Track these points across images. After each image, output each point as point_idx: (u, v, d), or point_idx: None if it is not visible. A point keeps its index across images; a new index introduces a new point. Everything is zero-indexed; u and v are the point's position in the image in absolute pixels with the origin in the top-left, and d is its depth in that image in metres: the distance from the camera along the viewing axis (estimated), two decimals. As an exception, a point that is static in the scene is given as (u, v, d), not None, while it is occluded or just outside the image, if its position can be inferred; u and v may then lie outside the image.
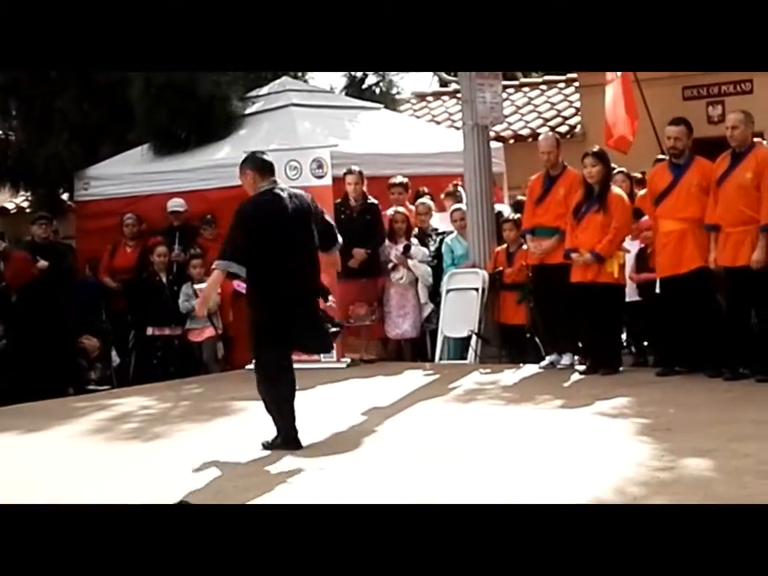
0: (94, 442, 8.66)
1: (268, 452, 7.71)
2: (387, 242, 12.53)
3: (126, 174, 14.26)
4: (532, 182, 11.30)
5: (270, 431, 7.88)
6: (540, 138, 11.74)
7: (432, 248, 12.59)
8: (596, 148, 10.94)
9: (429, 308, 12.45)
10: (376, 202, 12.54)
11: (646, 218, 10.63)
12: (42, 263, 12.81)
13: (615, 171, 11.21)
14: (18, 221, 18.28)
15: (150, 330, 12.85)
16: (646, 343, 11.24)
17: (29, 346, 12.04)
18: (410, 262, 12.37)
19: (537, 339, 11.59)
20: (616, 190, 10.59)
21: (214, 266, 7.84)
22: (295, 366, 7.99)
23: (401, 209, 12.65)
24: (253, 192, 7.98)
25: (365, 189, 12.44)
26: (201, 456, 7.77)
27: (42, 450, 8.48)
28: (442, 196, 13.20)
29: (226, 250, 7.81)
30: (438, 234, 12.69)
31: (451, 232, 12.56)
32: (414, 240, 12.52)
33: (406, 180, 13.04)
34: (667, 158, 10.96)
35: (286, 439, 7.78)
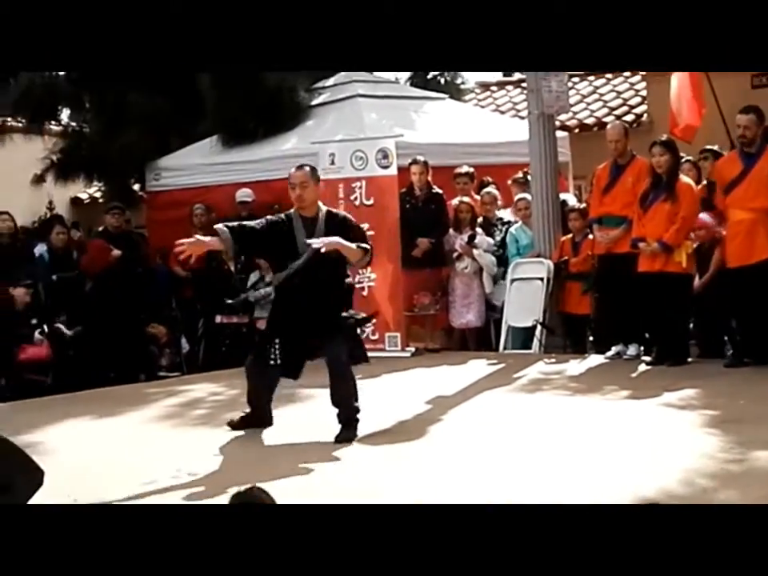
0: (164, 428, 8.80)
1: (331, 438, 7.81)
2: (452, 231, 12.58)
3: (196, 164, 14.42)
4: (599, 171, 11.26)
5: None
6: (608, 126, 11.69)
7: (497, 238, 12.62)
8: (664, 137, 10.85)
9: (494, 297, 12.49)
10: (441, 191, 12.59)
11: (701, 215, 10.55)
12: (116, 252, 13.02)
13: (683, 160, 11.18)
14: (91, 211, 18.58)
15: (218, 318, 12.98)
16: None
17: (102, 332, 12.23)
18: (474, 251, 12.40)
19: (600, 329, 11.57)
20: (684, 179, 10.49)
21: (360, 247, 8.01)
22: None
23: (466, 198, 12.68)
24: (314, 201, 8.10)
25: (429, 179, 12.49)
26: (268, 442, 7.90)
27: (114, 434, 8.62)
28: (509, 182, 13.19)
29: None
30: (503, 224, 12.72)
31: (516, 222, 12.59)
32: (479, 230, 12.56)
33: (471, 170, 13.07)
34: (714, 147, 10.97)
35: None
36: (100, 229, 14.08)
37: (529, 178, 12.76)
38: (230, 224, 8.15)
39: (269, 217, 8.32)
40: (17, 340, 11.77)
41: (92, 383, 11.08)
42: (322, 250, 7.78)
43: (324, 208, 8.19)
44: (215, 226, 8.23)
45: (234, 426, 8.32)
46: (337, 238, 7.86)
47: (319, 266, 7.93)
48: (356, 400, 8.02)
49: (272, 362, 8.03)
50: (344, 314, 8.22)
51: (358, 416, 7.99)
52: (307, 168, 8.19)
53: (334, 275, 8.11)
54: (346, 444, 7.67)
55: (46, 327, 12.05)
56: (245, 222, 8.32)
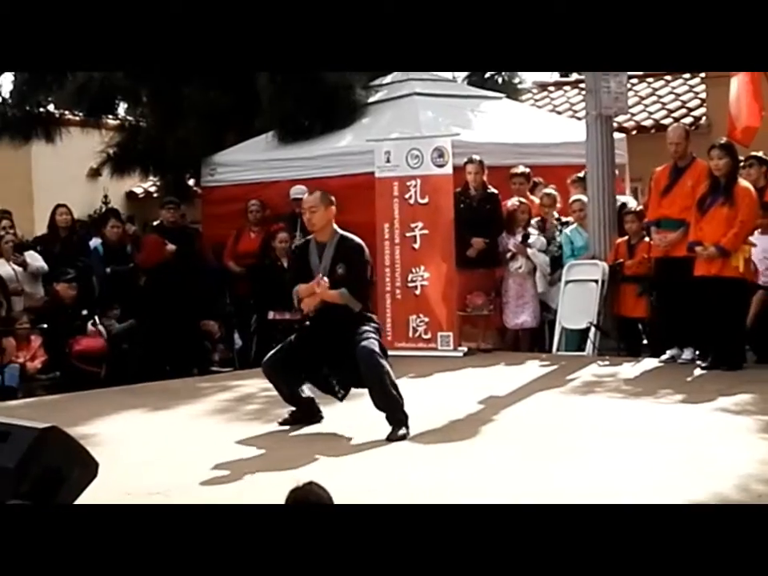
0: (216, 422, 8.84)
1: (384, 435, 7.80)
2: (505, 232, 12.54)
3: (251, 160, 14.45)
4: (658, 173, 11.17)
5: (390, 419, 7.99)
6: (669, 128, 11.60)
7: (558, 239, 12.56)
8: (723, 140, 10.77)
9: (549, 298, 12.44)
10: (496, 191, 12.55)
11: None
12: (171, 247, 13.11)
13: (746, 159, 11.10)
14: (146, 205, 18.70)
15: (271, 314, 13.00)
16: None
17: (156, 326, 12.30)
18: (528, 250, 12.36)
19: (655, 333, 11.49)
20: (743, 182, 10.41)
21: (344, 295, 8.05)
22: (411, 353, 8.16)
23: (522, 199, 12.64)
24: (324, 226, 8.19)
25: (485, 178, 12.46)
26: (318, 439, 7.91)
27: (167, 428, 8.68)
28: (568, 182, 13.11)
29: (363, 290, 8.21)
30: (561, 224, 12.66)
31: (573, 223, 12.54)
32: (533, 230, 12.51)
33: (527, 170, 13.02)
34: (759, 154, 10.88)
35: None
36: (155, 223, 14.17)
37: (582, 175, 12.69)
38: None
39: (293, 246, 8.47)
40: (69, 332, 11.84)
41: (145, 376, 11.14)
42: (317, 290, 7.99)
43: (339, 234, 8.26)
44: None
45: (283, 422, 8.39)
46: (320, 289, 8.01)
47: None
48: (398, 397, 7.97)
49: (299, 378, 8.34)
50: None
51: (406, 412, 7.94)
52: (318, 193, 8.31)
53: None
54: (398, 442, 7.66)
55: (98, 319, 12.12)
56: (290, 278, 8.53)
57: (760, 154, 11.40)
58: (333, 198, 8.33)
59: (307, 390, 8.48)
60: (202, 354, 12.67)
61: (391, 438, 7.76)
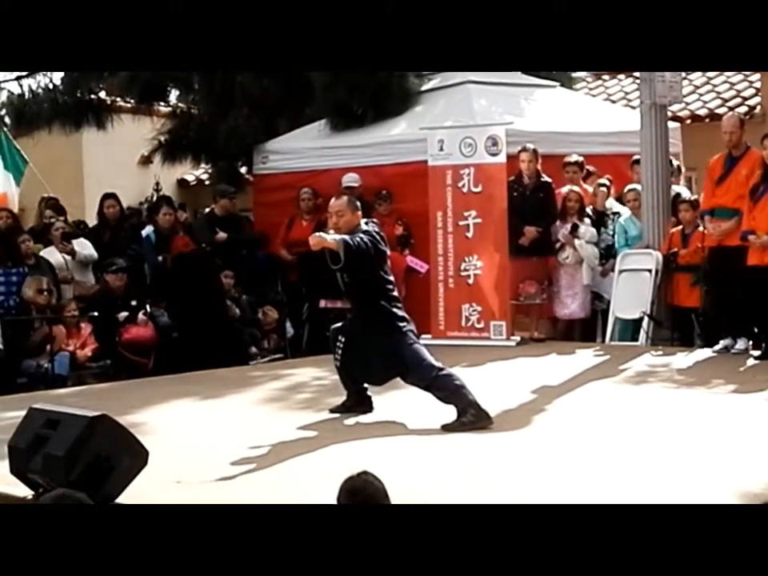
0: (267, 411, 8.85)
1: (436, 425, 7.78)
2: (558, 221, 12.47)
3: (304, 148, 14.45)
4: (713, 162, 11.09)
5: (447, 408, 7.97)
6: (724, 117, 11.52)
7: (610, 228, 12.47)
8: (777, 129, 10.71)
9: (601, 284, 12.36)
10: (549, 180, 12.48)
11: None
12: (221, 235, 13.14)
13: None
14: (197, 193, 18.75)
15: (322, 303, 12.99)
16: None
17: (187, 318, 12.22)
18: (576, 241, 12.28)
19: (709, 322, 11.39)
20: (796, 171, 10.35)
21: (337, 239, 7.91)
22: (464, 342, 8.14)
23: (575, 188, 12.56)
24: (350, 231, 8.06)
25: (539, 167, 12.39)
26: (369, 428, 7.90)
27: (218, 417, 8.69)
28: (631, 162, 12.97)
29: (373, 292, 8.17)
30: (614, 214, 12.56)
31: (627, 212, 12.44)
32: (587, 220, 12.42)
33: (581, 159, 12.93)
34: None
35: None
36: (206, 210, 14.20)
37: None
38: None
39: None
40: (118, 322, 11.87)
41: (192, 368, 11.10)
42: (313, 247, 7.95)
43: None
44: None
45: (334, 410, 8.42)
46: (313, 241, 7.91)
47: (353, 289, 8.29)
48: (463, 390, 7.86)
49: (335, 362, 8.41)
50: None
51: (474, 402, 7.80)
52: (345, 198, 8.32)
53: (370, 299, 8.15)
54: (451, 433, 7.63)
55: (148, 308, 12.13)
56: None
57: None
58: (359, 204, 8.35)
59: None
60: (241, 343, 12.50)
61: (446, 427, 7.70)
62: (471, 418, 7.72)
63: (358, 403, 8.41)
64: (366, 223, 8.25)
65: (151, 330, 11.91)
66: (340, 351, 8.39)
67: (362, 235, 7.98)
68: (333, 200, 8.39)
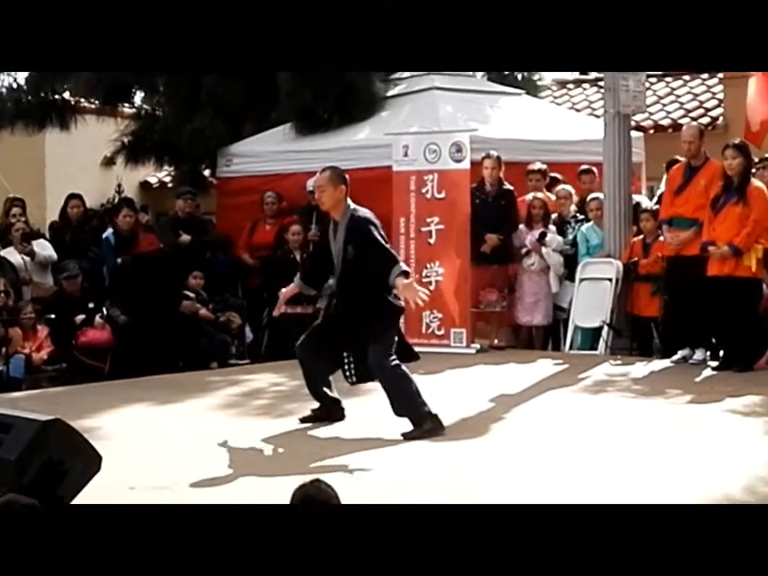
0: (224, 417, 8.81)
1: (395, 432, 7.77)
2: (523, 227, 12.48)
3: (268, 152, 14.42)
4: (672, 172, 11.19)
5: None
6: (684, 127, 11.60)
7: (570, 236, 12.51)
8: (737, 140, 10.78)
9: (560, 294, 12.39)
10: (511, 188, 12.49)
11: None
12: (185, 237, 13.09)
13: (760, 159, 11.08)
14: (160, 195, 18.65)
15: (282, 308, 12.94)
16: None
17: (144, 319, 12.12)
18: (543, 249, 12.31)
19: (668, 332, 11.44)
20: (756, 182, 10.42)
21: (399, 272, 7.81)
22: (424, 349, 8.18)
23: (540, 195, 12.59)
24: (334, 205, 8.08)
25: (501, 174, 12.40)
26: (329, 435, 7.88)
27: (173, 422, 8.64)
28: (579, 172, 13.02)
29: (382, 264, 7.91)
30: (577, 222, 12.60)
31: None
32: (552, 227, 12.46)
33: (544, 167, 12.96)
34: None
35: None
36: (170, 214, 14.13)
37: (595, 170, 12.61)
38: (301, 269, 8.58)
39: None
40: (74, 325, 11.78)
41: (148, 371, 11.03)
42: None
43: (350, 212, 8.08)
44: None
45: (304, 419, 8.30)
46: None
47: (349, 269, 8.03)
48: (418, 399, 7.87)
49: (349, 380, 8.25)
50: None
51: (428, 412, 7.85)
52: (328, 172, 8.19)
53: (367, 286, 8.00)
54: (410, 441, 7.63)
55: (105, 311, 12.05)
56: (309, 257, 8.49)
57: None
58: (346, 176, 8.17)
59: (334, 391, 8.41)
60: (193, 346, 12.40)
61: (406, 436, 7.73)
62: (430, 425, 7.77)
63: (329, 412, 8.30)
64: (356, 210, 8.13)
65: (108, 334, 11.82)
66: (351, 368, 8.22)
67: (377, 239, 7.95)
68: (317, 174, 8.34)
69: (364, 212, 8.15)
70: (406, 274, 7.87)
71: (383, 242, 8.03)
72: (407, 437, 7.71)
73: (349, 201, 8.13)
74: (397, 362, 7.94)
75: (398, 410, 7.86)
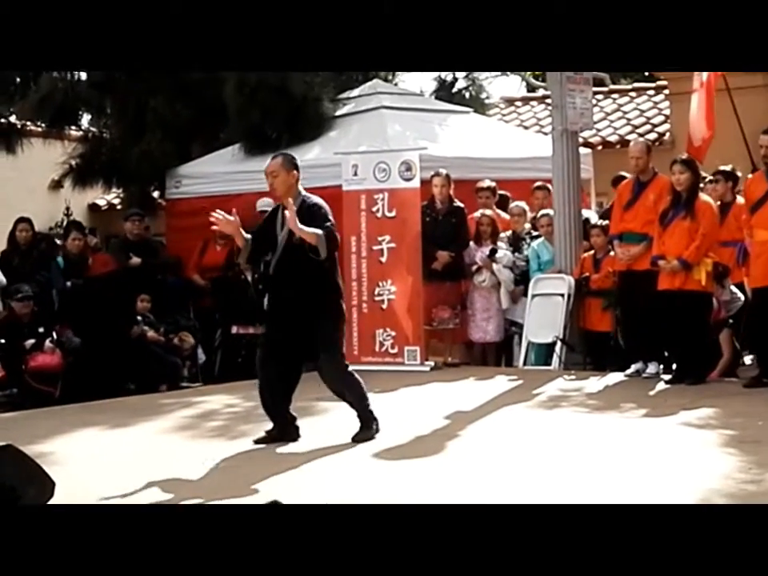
0: (178, 439, 8.75)
1: (350, 451, 7.76)
2: (473, 244, 12.51)
3: (217, 172, 14.38)
4: (621, 188, 11.26)
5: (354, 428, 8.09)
6: (631, 142, 11.67)
7: (525, 252, 12.55)
8: (685, 155, 10.88)
9: (514, 310, 12.41)
10: (462, 205, 12.52)
11: None
12: (135, 260, 13.01)
13: (707, 180, 11.17)
14: (109, 217, 18.55)
15: (234, 329, 12.92)
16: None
17: (96, 342, 12.02)
18: (494, 266, 12.33)
19: (622, 346, 11.49)
20: (704, 197, 10.50)
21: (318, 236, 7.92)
22: (378, 368, 8.28)
23: (488, 211, 12.62)
24: (286, 191, 8.12)
25: (451, 192, 12.42)
26: (283, 455, 7.84)
27: (127, 445, 8.57)
28: (533, 188, 13.08)
29: (329, 240, 8.00)
30: (532, 238, 12.63)
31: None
32: (501, 244, 12.49)
33: (493, 184, 12.99)
34: (727, 168, 10.96)
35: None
36: (119, 236, 14.04)
37: (549, 186, 12.68)
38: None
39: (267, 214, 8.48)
40: (24, 350, 11.67)
41: (99, 394, 10.93)
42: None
43: (301, 197, 8.17)
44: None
45: (259, 441, 8.23)
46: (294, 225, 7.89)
47: (291, 256, 8.06)
48: (366, 402, 8.19)
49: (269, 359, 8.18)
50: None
51: (372, 413, 8.17)
52: (280, 158, 8.29)
53: (309, 266, 8.01)
54: (363, 456, 7.63)
55: (55, 335, 11.94)
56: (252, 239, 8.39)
57: (729, 168, 11.43)
58: (297, 163, 8.28)
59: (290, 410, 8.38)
60: (145, 369, 12.30)
61: (355, 439, 7.98)
62: (377, 428, 8.10)
63: (284, 431, 8.26)
64: (308, 197, 8.21)
65: (58, 358, 11.71)
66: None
67: (328, 223, 8.04)
68: (269, 161, 8.36)
69: (317, 198, 8.30)
70: (315, 251, 7.95)
71: (335, 230, 8.17)
72: (357, 439, 7.99)
73: (300, 187, 8.23)
74: (348, 368, 8.21)
75: (355, 409, 8.18)
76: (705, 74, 12.71)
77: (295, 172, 8.17)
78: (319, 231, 7.92)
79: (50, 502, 5.67)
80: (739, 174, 11.32)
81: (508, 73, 26.88)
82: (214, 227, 8.46)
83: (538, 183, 12.96)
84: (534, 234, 12.69)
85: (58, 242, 13.88)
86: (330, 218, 8.17)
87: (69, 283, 12.57)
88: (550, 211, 12.40)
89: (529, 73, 27.03)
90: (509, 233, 12.78)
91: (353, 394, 8.20)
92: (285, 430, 8.26)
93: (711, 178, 11.34)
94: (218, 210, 8.33)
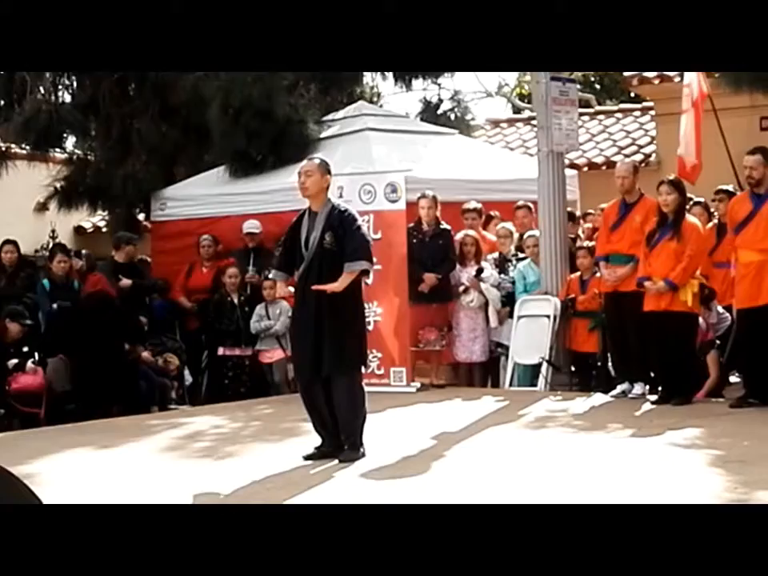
0: (165, 460, 8.71)
1: (336, 471, 7.75)
2: (457, 265, 12.52)
3: (203, 195, 14.39)
4: (607, 209, 11.27)
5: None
6: (617, 163, 11.70)
7: (512, 273, 12.57)
8: (671, 176, 10.88)
9: (500, 331, 12.42)
10: (449, 227, 12.53)
11: None
12: (125, 281, 13.01)
13: (692, 203, 11.21)
14: (95, 240, 18.53)
15: (221, 350, 12.91)
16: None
17: (88, 363, 11.99)
18: (482, 285, 12.34)
19: (608, 367, 11.50)
20: (691, 218, 10.52)
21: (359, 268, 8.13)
22: (365, 389, 8.29)
23: (471, 232, 12.64)
24: (317, 193, 8.22)
25: (438, 214, 12.44)
26: (270, 476, 7.81)
27: (114, 466, 8.53)
28: (514, 207, 13.12)
29: (362, 250, 8.14)
30: (518, 260, 12.65)
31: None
32: (486, 264, 12.51)
33: (479, 206, 13.03)
34: (728, 188, 11.01)
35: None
36: (106, 259, 14.03)
37: (531, 205, 12.71)
38: (276, 259, 8.71)
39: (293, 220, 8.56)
40: (7, 370, 11.62)
41: (85, 416, 10.90)
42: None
43: (331, 203, 8.28)
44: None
45: (307, 457, 8.23)
46: (330, 286, 8.05)
47: (322, 262, 8.14)
48: (362, 423, 8.26)
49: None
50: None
51: (361, 438, 8.26)
52: (316, 160, 8.41)
53: (340, 272, 8.13)
54: (350, 476, 7.63)
55: (37, 356, 11.89)
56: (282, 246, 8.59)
57: (730, 187, 11.49)
58: (331, 169, 8.39)
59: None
60: (132, 390, 12.28)
61: (342, 459, 8.02)
62: (364, 453, 8.17)
63: (336, 447, 8.27)
64: (339, 204, 8.38)
65: (40, 379, 11.66)
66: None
67: (361, 231, 8.19)
68: (305, 161, 8.52)
69: (346, 205, 8.49)
70: (366, 273, 8.29)
71: (367, 235, 8.39)
72: (342, 460, 8.03)
73: (329, 194, 8.33)
74: (363, 383, 8.38)
75: (345, 431, 8.17)
76: (695, 94, 12.72)
77: (328, 177, 8.29)
78: (355, 267, 8.08)
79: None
80: (738, 192, 11.34)
81: (493, 94, 26.91)
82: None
83: (520, 203, 12.99)
84: (521, 255, 12.71)
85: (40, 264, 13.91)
86: (360, 223, 8.30)
87: (55, 305, 12.53)
88: (536, 232, 12.42)
89: (514, 94, 27.14)
90: (495, 254, 12.79)
91: (356, 412, 8.23)
92: (336, 445, 8.28)
93: (697, 200, 11.39)
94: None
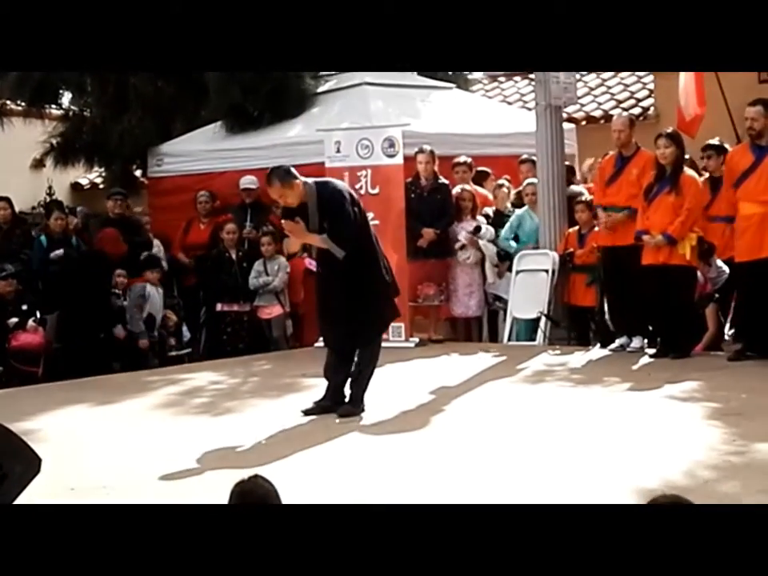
0: (163, 416, 8.75)
1: (335, 426, 7.76)
2: (456, 220, 12.49)
3: (199, 150, 14.32)
4: (604, 162, 11.22)
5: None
6: (614, 117, 11.64)
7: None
8: (669, 129, 10.82)
9: (498, 285, 12.41)
10: (447, 182, 12.48)
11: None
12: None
13: (703, 148, 11.18)
14: (92, 196, 18.47)
15: (219, 306, 12.88)
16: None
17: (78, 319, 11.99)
18: (480, 242, 12.32)
19: (606, 321, 11.49)
20: (689, 171, 10.46)
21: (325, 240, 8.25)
22: None
23: (467, 187, 12.59)
24: (299, 199, 8.33)
25: (436, 168, 12.39)
26: (269, 431, 7.84)
27: (113, 423, 8.57)
28: (519, 161, 13.06)
29: (345, 239, 8.25)
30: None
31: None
32: (481, 218, 12.47)
33: (469, 159, 12.94)
34: (716, 142, 10.97)
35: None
36: (101, 215, 13.99)
37: (534, 159, 12.66)
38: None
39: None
40: (7, 328, 11.61)
41: (81, 373, 10.92)
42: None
43: (314, 189, 8.36)
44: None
45: (307, 411, 8.35)
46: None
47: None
48: (371, 375, 8.45)
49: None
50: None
51: (364, 396, 8.37)
52: (277, 181, 8.29)
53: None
54: (349, 431, 7.66)
55: (38, 314, 11.88)
56: None
57: (718, 141, 11.42)
58: (292, 170, 8.41)
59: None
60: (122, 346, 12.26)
61: (341, 413, 8.15)
62: (363, 408, 8.29)
63: (335, 402, 8.39)
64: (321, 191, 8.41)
65: (40, 338, 11.66)
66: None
67: (339, 218, 8.25)
68: (268, 186, 8.51)
69: (331, 186, 8.56)
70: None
71: (351, 216, 8.32)
72: (342, 414, 8.16)
73: (306, 186, 8.37)
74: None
75: (354, 383, 8.34)
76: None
77: (296, 180, 8.29)
78: (324, 236, 8.20)
79: (36, 479, 5.65)
80: (728, 147, 11.28)
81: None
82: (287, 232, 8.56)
83: (524, 157, 12.92)
84: (518, 212, 12.67)
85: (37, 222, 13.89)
86: (346, 205, 8.29)
87: (56, 253, 12.47)
88: (536, 180, 12.36)
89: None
90: (492, 209, 12.76)
91: (372, 368, 8.46)
92: (336, 400, 8.40)
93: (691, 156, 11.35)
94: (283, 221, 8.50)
